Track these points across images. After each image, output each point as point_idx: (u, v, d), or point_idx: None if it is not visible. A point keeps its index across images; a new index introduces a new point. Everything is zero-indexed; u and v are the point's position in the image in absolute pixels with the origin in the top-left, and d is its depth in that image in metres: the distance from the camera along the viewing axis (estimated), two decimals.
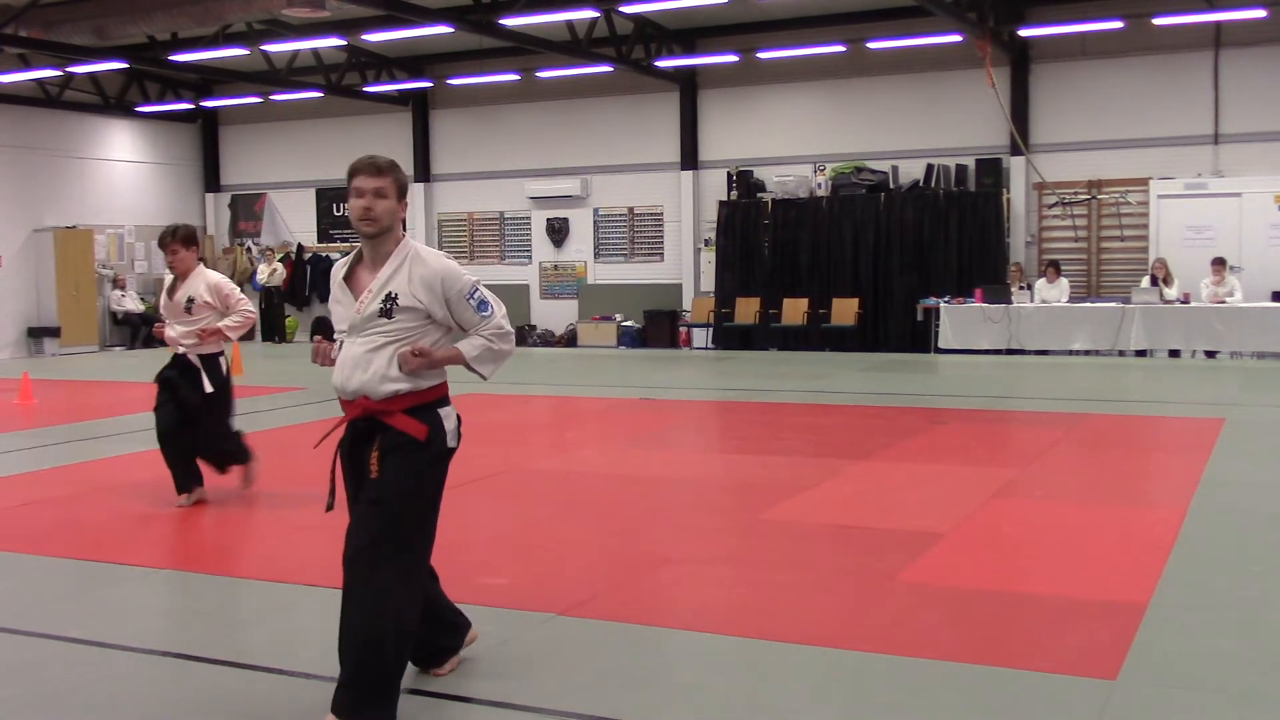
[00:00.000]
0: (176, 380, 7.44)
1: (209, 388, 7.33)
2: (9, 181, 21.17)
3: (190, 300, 7.27)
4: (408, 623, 3.97)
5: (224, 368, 7.48)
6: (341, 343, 4.14)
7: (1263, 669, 4.39)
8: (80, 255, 21.79)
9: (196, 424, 7.39)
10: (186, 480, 7.52)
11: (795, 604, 5.35)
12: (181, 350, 7.35)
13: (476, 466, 8.91)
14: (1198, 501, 7.20)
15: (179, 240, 7.27)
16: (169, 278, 7.55)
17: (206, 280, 7.35)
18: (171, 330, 7.36)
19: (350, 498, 4.15)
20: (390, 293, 4.00)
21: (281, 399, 13.31)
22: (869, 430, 10.49)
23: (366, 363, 4.02)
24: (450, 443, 4.13)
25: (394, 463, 3.97)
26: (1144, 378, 14.73)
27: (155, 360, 17.93)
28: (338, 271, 4.19)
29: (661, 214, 20.69)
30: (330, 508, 4.15)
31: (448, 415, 4.14)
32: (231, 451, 7.64)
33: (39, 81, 20.59)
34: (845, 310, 18.58)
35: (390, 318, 4.00)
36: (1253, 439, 9.71)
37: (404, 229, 4.18)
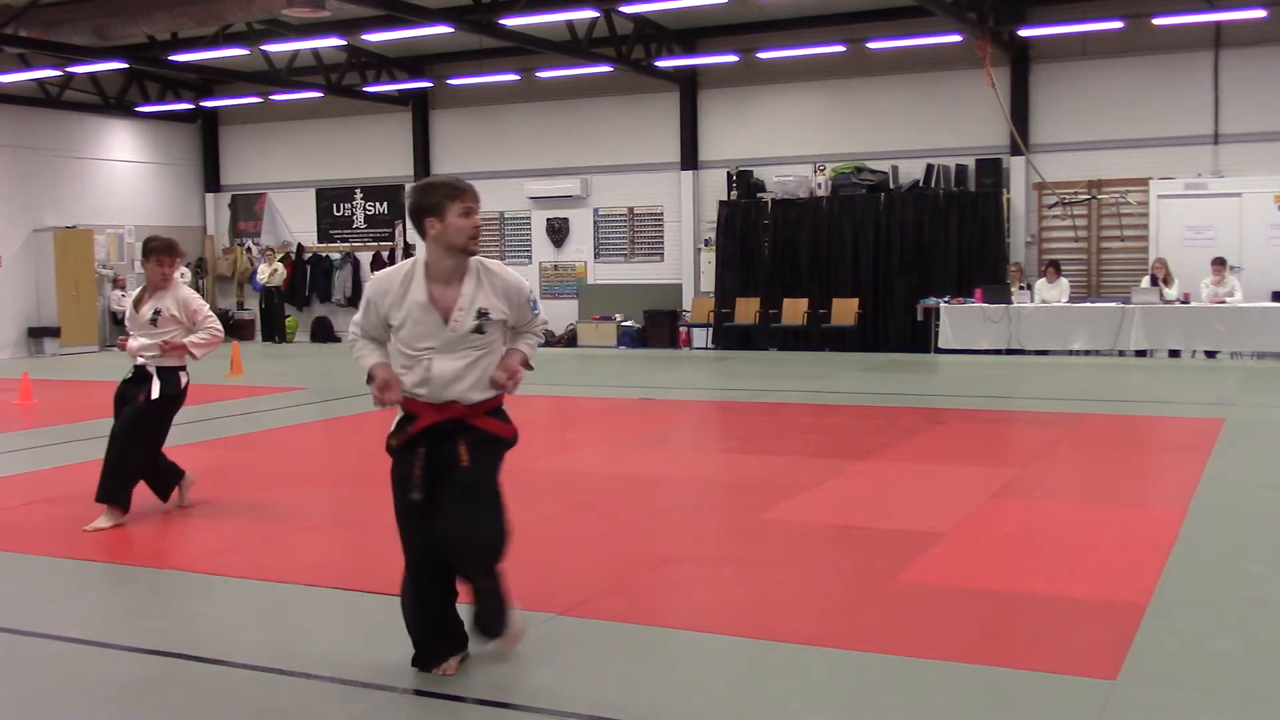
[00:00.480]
0: (132, 394, 7.21)
1: (155, 394, 7.06)
2: (9, 181, 21.17)
3: (157, 313, 7.11)
4: (506, 536, 4.44)
5: (182, 382, 7.23)
6: (429, 362, 4.35)
7: (1263, 669, 4.39)
8: (80, 255, 21.79)
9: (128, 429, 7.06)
10: (123, 494, 7.10)
11: (795, 604, 5.35)
12: (141, 362, 7.15)
13: None
14: (1198, 501, 7.20)
15: (174, 253, 7.20)
16: (135, 290, 7.42)
17: (177, 295, 7.19)
18: (134, 341, 7.17)
19: (415, 492, 4.37)
20: (481, 309, 4.36)
21: (282, 399, 13.32)
22: (869, 430, 10.49)
23: (462, 375, 4.36)
24: (515, 432, 4.63)
25: (481, 454, 4.40)
26: (1144, 378, 14.73)
27: None
28: (416, 294, 4.35)
29: (661, 214, 20.69)
30: (419, 499, 4.36)
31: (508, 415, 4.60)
32: (166, 469, 7.36)
33: (39, 81, 20.59)
34: (845, 310, 18.58)
35: (483, 334, 4.37)
36: (1253, 439, 9.71)
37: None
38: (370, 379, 4.43)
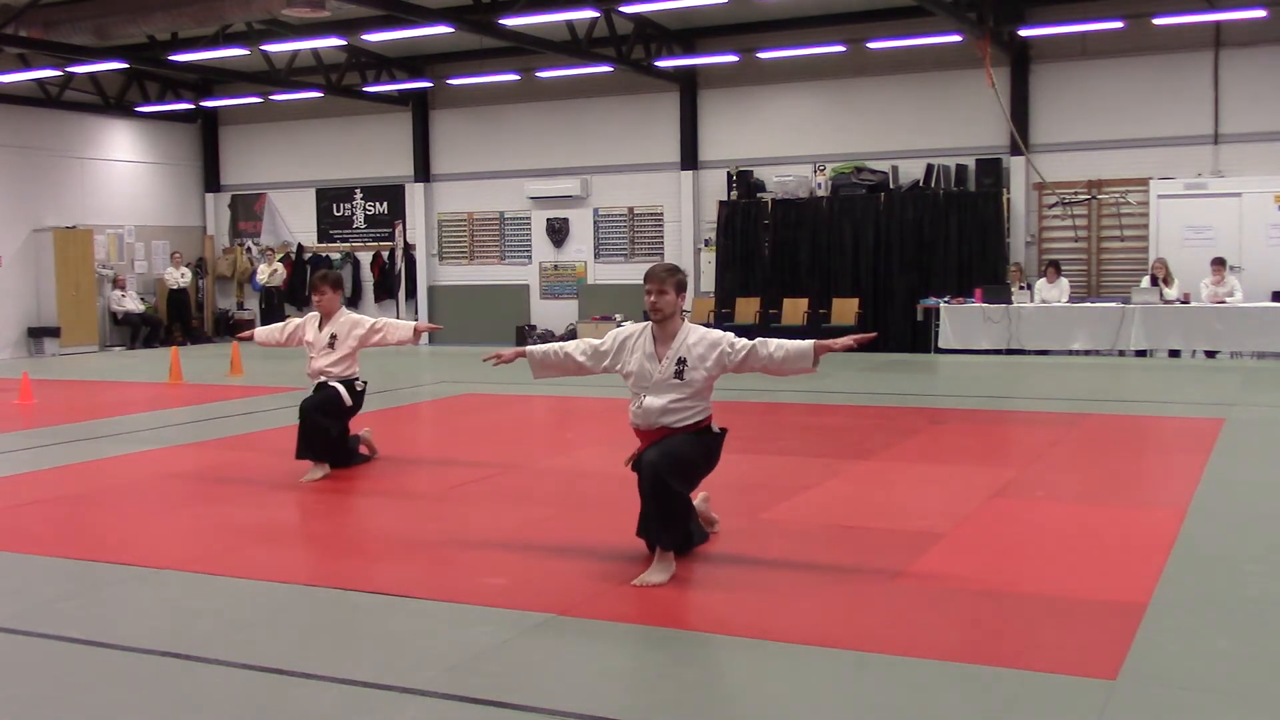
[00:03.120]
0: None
1: (349, 401, 8.60)
2: (9, 181, 21.17)
3: (333, 336, 8.61)
4: (680, 503, 5.73)
5: (359, 386, 8.71)
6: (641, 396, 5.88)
7: (1263, 669, 4.40)
8: (80, 255, 21.79)
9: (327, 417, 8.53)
10: (315, 455, 8.49)
11: (795, 604, 5.35)
12: (323, 379, 8.65)
13: (476, 466, 8.91)
14: (1198, 501, 7.20)
15: (329, 283, 8.67)
16: (314, 314, 8.84)
17: (345, 319, 8.71)
18: (316, 363, 8.69)
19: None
20: (681, 357, 5.79)
21: (282, 399, 13.31)
22: (869, 430, 10.49)
23: (668, 410, 5.82)
24: (716, 437, 5.96)
25: (679, 438, 5.77)
26: (1144, 378, 14.73)
27: (154, 360, 17.92)
28: (645, 344, 5.91)
29: (661, 214, 20.69)
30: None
31: (715, 429, 5.98)
32: (348, 451, 8.76)
33: (39, 81, 20.58)
34: (845, 310, 18.58)
35: (681, 378, 5.78)
36: (1253, 439, 9.71)
37: (682, 316, 5.96)
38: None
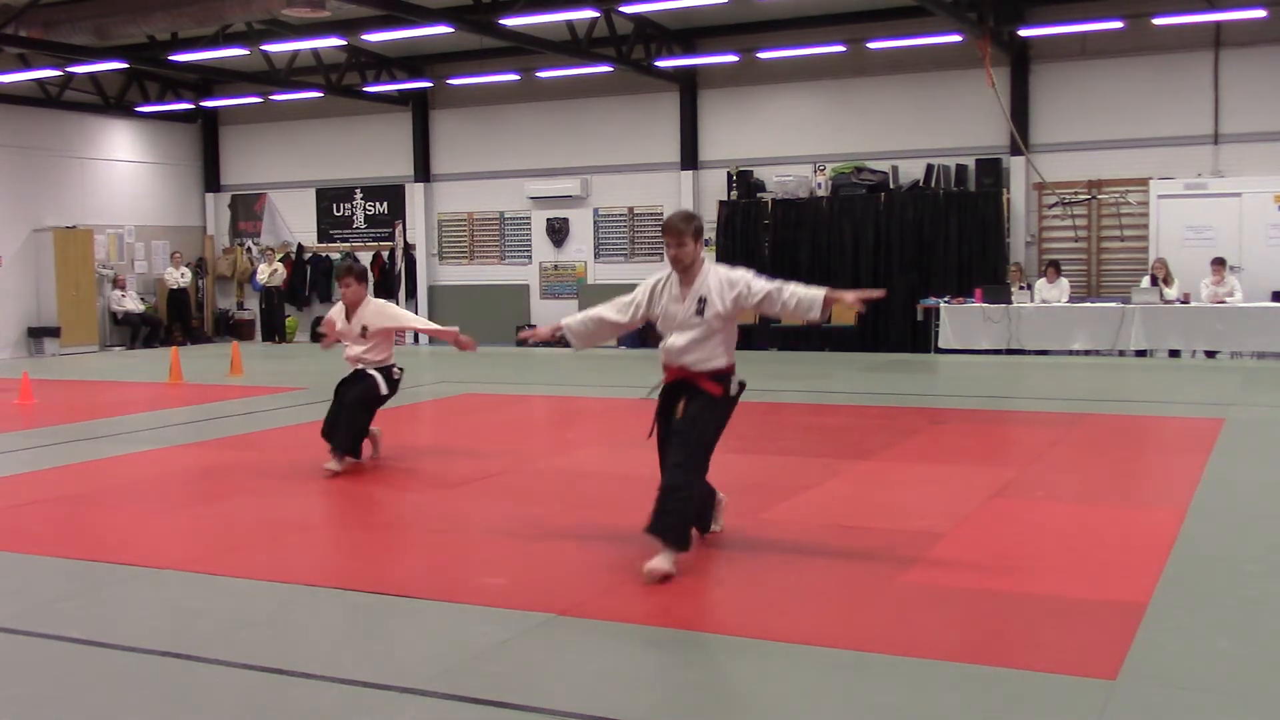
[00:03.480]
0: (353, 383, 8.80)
1: (384, 389, 8.72)
2: (9, 181, 21.17)
3: (364, 327, 8.69)
4: (697, 501, 6.00)
5: (395, 374, 8.82)
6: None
7: (1263, 669, 4.40)
8: (80, 255, 21.79)
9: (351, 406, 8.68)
10: (339, 446, 8.60)
11: (795, 604, 5.35)
12: (360, 365, 8.77)
13: (476, 466, 8.91)
14: (1198, 501, 7.20)
15: (354, 275, 8.75)
16: (340, 306, 8.90)
17: (372, 309, 8.78)
18: (351, 350, 8.80)
19: (661, 431, 6.10)
20: (702, 296, 5.95)
21: (282, 399, 13.32)
22: (869, 430, 10.49)
23: (688, 349, 6.01)
24: (733, 392, 6.05)
25: (696, 408, 5.95)
26: (1144, 378, 14.73)
27: (154, 360, 17.95)
28: (672, 287, 6.07)
29: (661, 214, 20.65)
30: (651, 435, 6.17)
31: (733, 381, 6.06)
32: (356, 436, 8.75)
33: (39, 81, 20.58)
34: (845, 310, 18.49)
35: (702, 315, 5.95)
36: (1253, 439, 9.71)
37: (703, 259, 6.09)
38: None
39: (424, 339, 22.62)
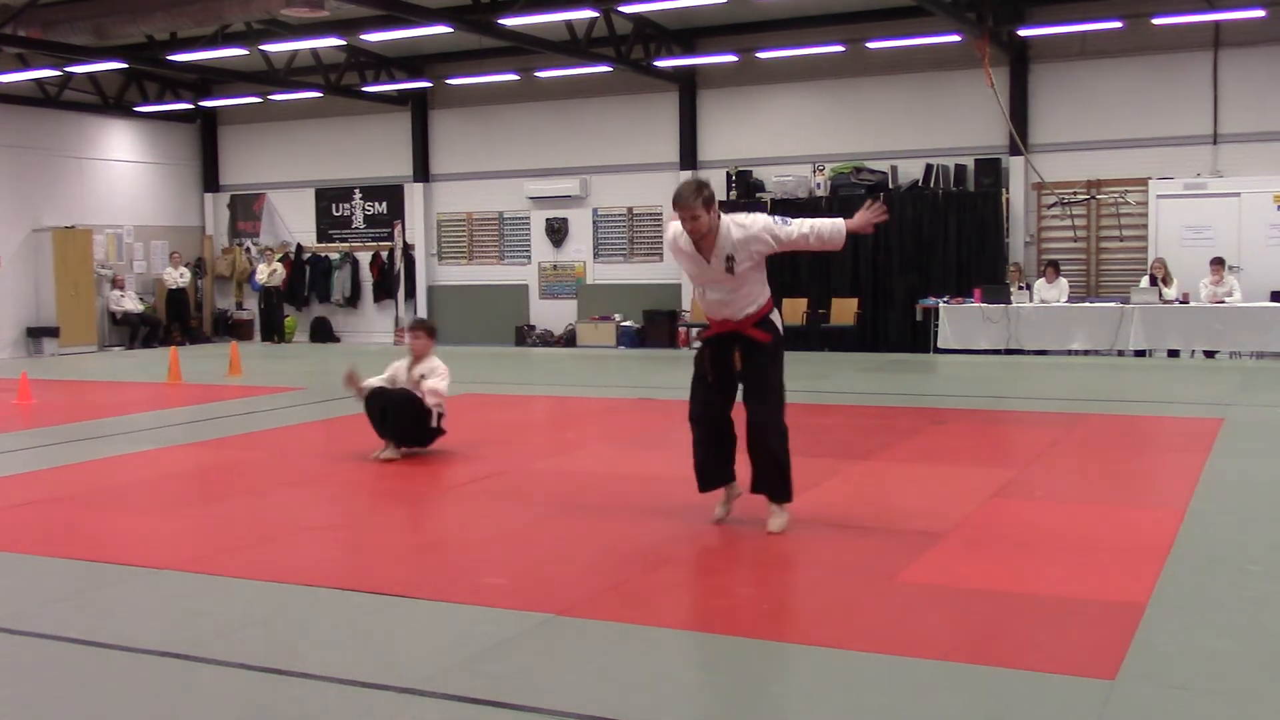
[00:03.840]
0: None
1: (431, 423, 9.20)
2: (8, 181, 21.17)
3: (422, 376, 9.14)
4: (786, 442, 6.40)
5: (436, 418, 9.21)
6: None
7: (1262, 669, 4.40)
8: (79, 255, 21.78)
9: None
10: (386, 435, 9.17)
11: (794, 604, 5.35)
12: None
13: (476, 466, 8.91)
14: (1197, 501, 7.20)
15: (424, 329, 9.40)
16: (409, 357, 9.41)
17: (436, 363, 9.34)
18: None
19: (705, 390, 6.38)
20: (729, 254, 6.11)
21: (281, 399, 13.32)
22: (868, 430, 10.49)
23: (726, 303, 6.29)
24: (781, 333, 6.36)
25: (757, 363, 6.26)
26: (1143, 378, 14.73)
27: (153, 361, 17.90)
28: (687, 244, 6.26)
29: (661, 214, 20.68)
30: (704, 379, 6.40)
31: (777, 319, 6.39)
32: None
33: (38, 81, 20.59)
34: (844, 310, 18.59)
35: (733, 273, 6.14)
36: (1252, 439, 9.71)
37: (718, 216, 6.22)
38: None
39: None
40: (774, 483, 6.34)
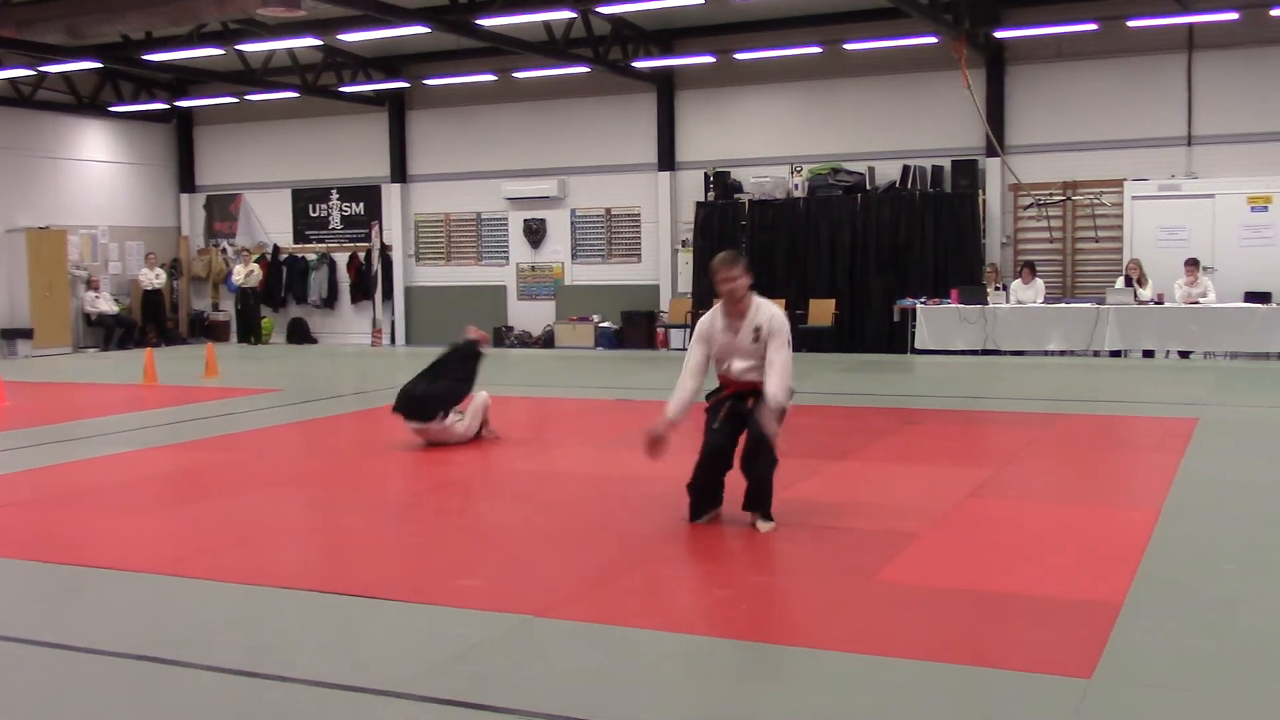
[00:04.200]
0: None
1: (459, 430, 9.97)
2: None
3: (459, 412, 9.85)
4: (774, 469, 6.69)
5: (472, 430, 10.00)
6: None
7: (1237, 667, 4.43)
8: (54, 256, 21.62)
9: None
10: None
11: (772, 604, 5.35)
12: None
13: (454, 468, 8.89)
14: (1172, 500, 7.25)
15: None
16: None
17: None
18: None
19: (719, 422, 6.77)
20: (758, 326, 6.66)
21: (259, 400, 13.26)
22: (846, 431, 10.51)
23: (748, 370, 6.76)
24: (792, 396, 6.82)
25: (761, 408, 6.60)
26: (1118, 378, 14.82)
27: (128, 362, 17.77)
28: (718, 322, 6.81)
29: (639, 215, 20.69)
30: (714, 428, 6.79)
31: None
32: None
33: (11, 81, 20.43)
34: (822, 311, 18.63)
35: (759, 343, 6.65)
36: (1226, 438, 9.78)
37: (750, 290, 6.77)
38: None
39: (400, 338, 22.58)
40: (762, 504, 6.71)
